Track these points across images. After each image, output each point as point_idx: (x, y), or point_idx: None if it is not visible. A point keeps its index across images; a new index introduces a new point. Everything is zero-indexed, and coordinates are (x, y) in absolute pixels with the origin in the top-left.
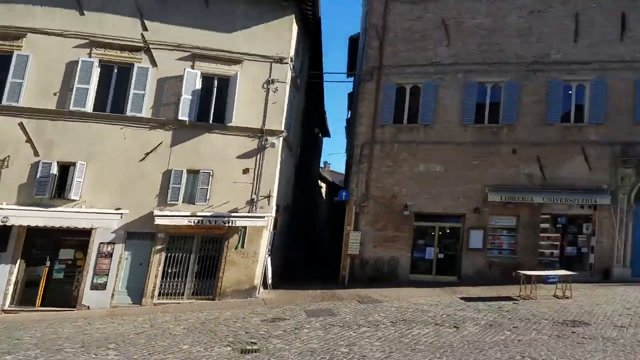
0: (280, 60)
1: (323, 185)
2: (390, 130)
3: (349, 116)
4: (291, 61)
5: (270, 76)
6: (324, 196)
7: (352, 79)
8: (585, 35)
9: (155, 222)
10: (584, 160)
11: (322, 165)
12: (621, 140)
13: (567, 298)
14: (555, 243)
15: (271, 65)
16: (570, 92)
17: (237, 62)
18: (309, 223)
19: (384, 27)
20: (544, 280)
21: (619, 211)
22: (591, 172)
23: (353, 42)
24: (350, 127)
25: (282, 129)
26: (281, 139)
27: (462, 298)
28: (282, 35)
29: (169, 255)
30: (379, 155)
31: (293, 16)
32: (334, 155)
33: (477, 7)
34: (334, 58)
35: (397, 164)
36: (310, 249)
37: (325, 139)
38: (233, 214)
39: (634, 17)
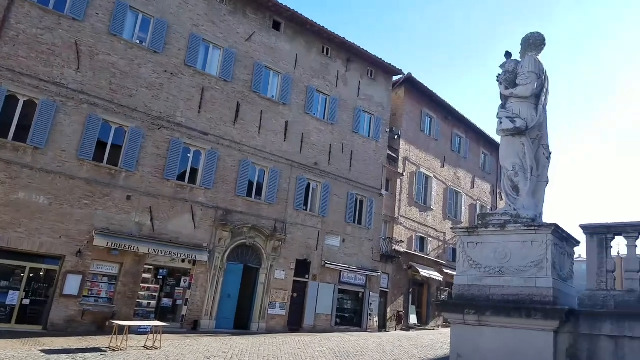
0: None
1: None
2: None
3: None
4: None
5: None
6: None
7: None
8: (208, 110)
9: None
10: (191, 218)
11: None
12: (223, 206)
13: (156, 349)
14: (154, 294)
15: None
16: (189, 155)
17: None
18: None
19: (4, 21)
20: (135, 330)
21: (214, 268)
22: (196, 230)
23: None
24: None
25: None
26: None
27: (43, 351)
28: None
29: None
30: None
31: None
32: None
33: (114, 46)
34: None
35: None
36: None
37: None
38: None
39: (245, 108)
